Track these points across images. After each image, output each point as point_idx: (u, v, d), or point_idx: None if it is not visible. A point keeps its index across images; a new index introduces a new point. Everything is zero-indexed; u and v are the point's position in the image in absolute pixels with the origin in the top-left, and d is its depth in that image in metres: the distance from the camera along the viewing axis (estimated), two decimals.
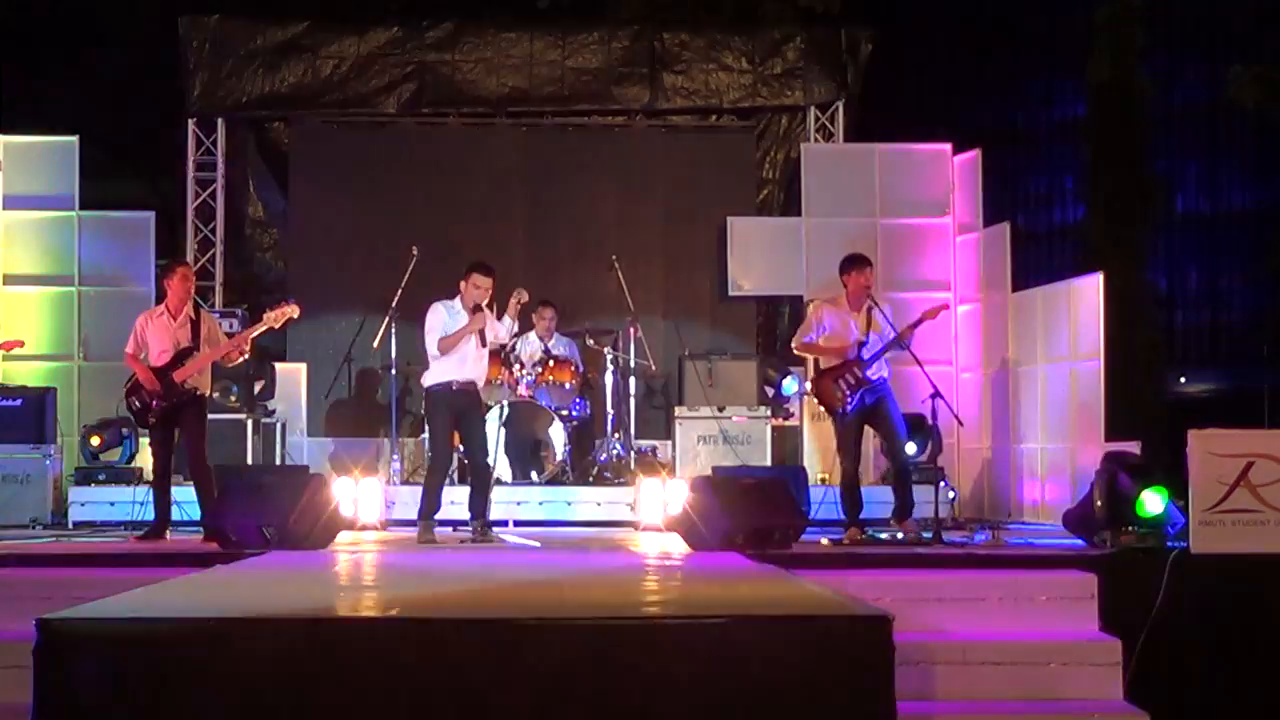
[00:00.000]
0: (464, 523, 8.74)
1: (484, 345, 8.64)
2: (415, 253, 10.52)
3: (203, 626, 4.46)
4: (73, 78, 16.15)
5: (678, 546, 8.07)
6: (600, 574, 6.34)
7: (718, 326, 12.51)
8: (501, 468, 9.73)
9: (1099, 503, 7.69)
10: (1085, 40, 16.47)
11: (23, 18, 15.45)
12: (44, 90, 15.40)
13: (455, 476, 9.77)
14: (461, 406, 8.53)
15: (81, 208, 11.27)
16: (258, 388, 10.75)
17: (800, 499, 8.85)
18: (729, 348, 11.87)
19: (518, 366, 10.46)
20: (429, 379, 8.56)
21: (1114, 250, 15.16)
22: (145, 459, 9.88)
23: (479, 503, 8.52)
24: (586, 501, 10.07)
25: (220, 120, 12.65)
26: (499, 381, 10.16)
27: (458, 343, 8.42)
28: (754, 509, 7.68)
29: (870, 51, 12.92)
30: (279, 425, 10.87)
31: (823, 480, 10.32)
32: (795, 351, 9.06)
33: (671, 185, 12.63)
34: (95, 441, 10.11)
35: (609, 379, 11.02)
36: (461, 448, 8.93)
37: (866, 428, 8.59)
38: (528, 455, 10.16)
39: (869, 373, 8.37)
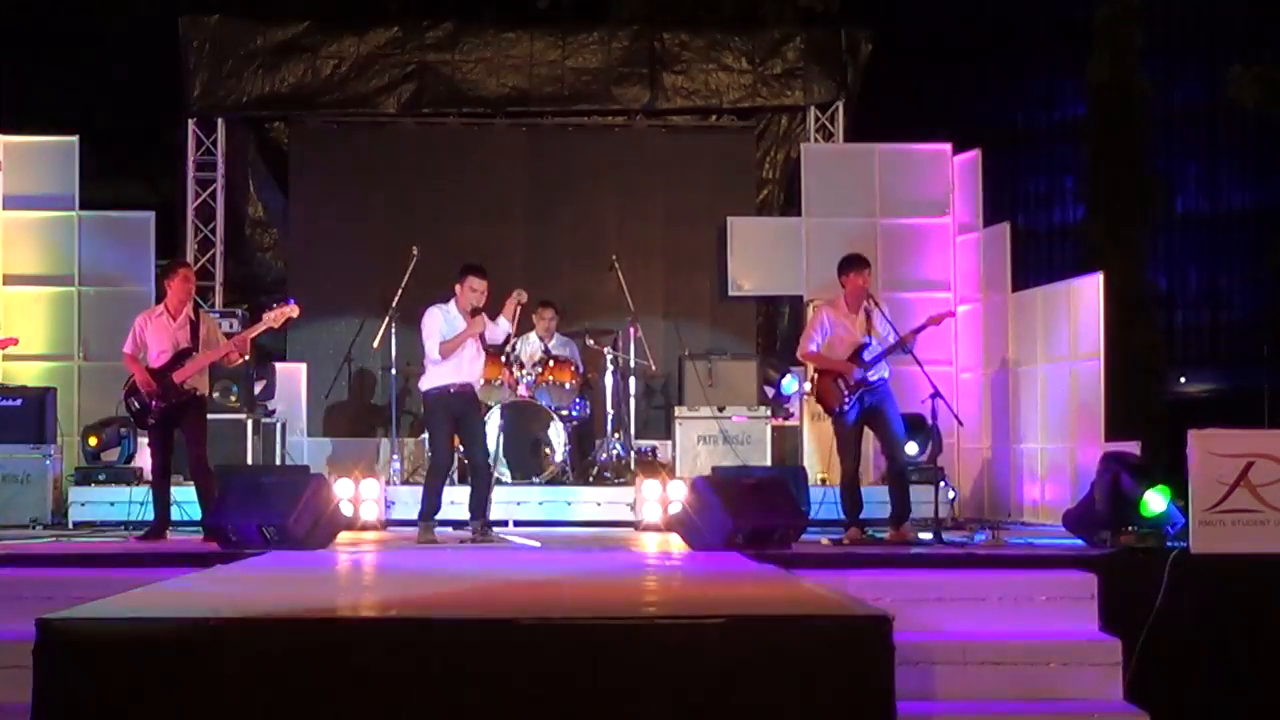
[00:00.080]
0: (464, 523, 8.74)
1: (482, 348, 8.65)
2: (415, 253, 10.53)
3: (203, 626, 4.46)
4: (73, 78, 16.14)
5: (678, 546, 8.07)
6: (600, 574, 6.34)
7: (718, 326, 12.52)
8: (501, 468, 9.72)
9: (1102, 502, 7.69)
10: (1085, 40, 16.46)
11: (23, 18, 15.44)
12: (44, 90, 15.38)
13: (455, 477, 9.77)
14: (460, 409, 8.54)
15: (81, 208, 11.28)
16: (258, 388, 10.76)
17: (800, 499, 8.84)
18: (729, 348, 11.88)
19: (518, 367, 10.46)
20: (426, 383, 8.57)
21: (1114, 250, 15.15)
22: (144, 459, 9.90)
23: (479, 503, 8.52)
24: (586, 501, 10.07)
25: (220, 120, 12.65)
26: (499, 382, 10.16)
27: (458, 347, 8.42)
28: (754, 509, 7.68)
29: (870, 51, 12.92)
30: (279, 425, 10.87)
31: (823, 480, 10.32)
32: (801, 360, 9.07)
33: (671, 185, 12.63)
34: (93, 442, 10.12)
35: (609, 379, 11.02)
36: (461, 448, 8.94)
37: (866, 427, 8.59)
38: (527, 455, 10.15)
39: (869, 374, 8.36)
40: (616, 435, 10.93)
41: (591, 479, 10.59)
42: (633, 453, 10.82)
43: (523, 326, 10.64)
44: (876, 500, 8.89)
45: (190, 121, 12.58)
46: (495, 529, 8.79)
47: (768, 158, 13.11)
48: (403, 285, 10.35)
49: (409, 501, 8.94)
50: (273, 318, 8.50)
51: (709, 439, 10.78)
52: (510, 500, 9.77)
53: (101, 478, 9.83)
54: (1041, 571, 6.70)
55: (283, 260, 12.77)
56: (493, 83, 12.67)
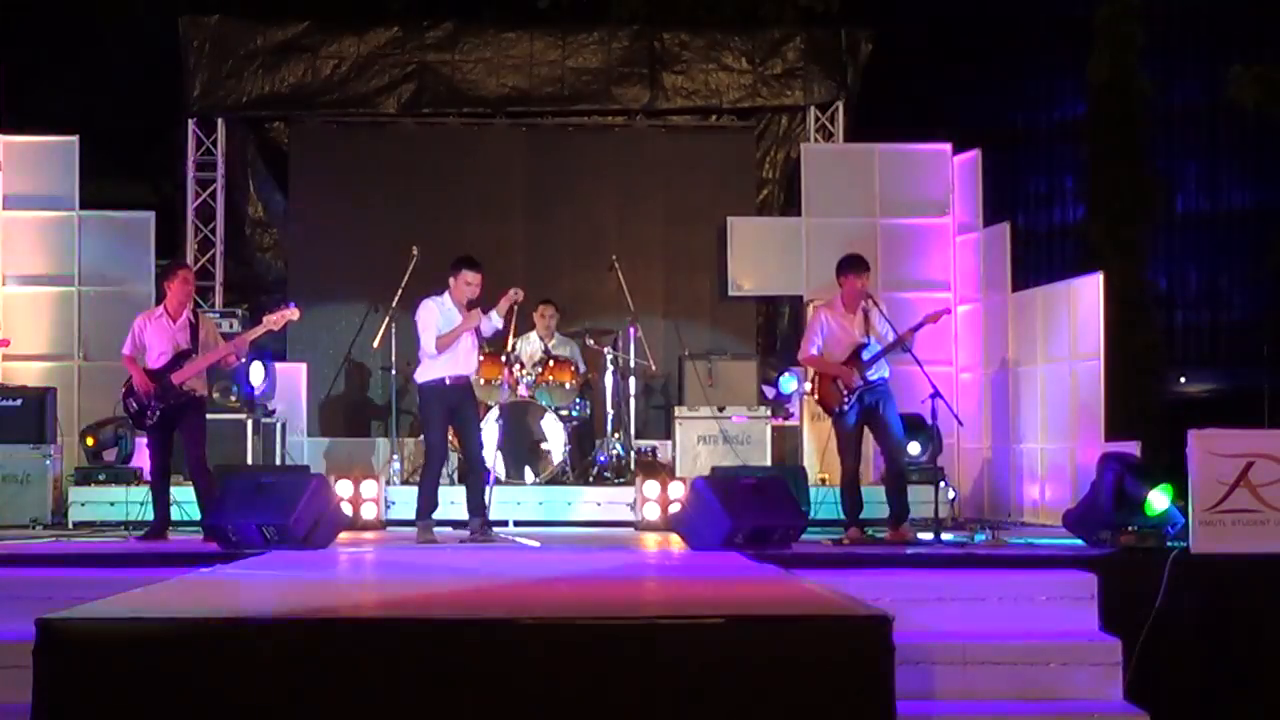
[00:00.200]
0: (464, 523, 8.73)
1: (476, 340, 8.64)
2: (415, 253, 10.55)
3: (203, 626, 4.46)
4: (73, 78, 16.14)
5: (678, 546, 8.07)
6: (600, 574, 6.34)
7: (718, 326, 12.52)
8: (498, 467, 9.71)
9: (1105, 501, 7.70)
10: (1085, 40, 16.47)
11: (23, 18, 15.44)
12: (44, 90, 15.38)
13: (456, 476, 9.77)
14: (456, 402, 8.53)
15: (81, 208, 11.28)
16: (253, 379, 10.73)
17: (800, 499, 8.84)
18: (729, 348, 11.88)
19: (518, 367, 10.46)
20: (422, 375, 8.55)
21: (1114, 250, 15.16)
22: (142, 460, 9.90)
23: (476, 500, 8.52)
24: (586, 501, 10.07)
25: (220, 120, 12.65)
26: (499, 382, 10.16)
27: (455, 340, 8.42)
28: (754, 509, 7.68)
29: (870, 51, 12.92)
30: (279, 425, 10.87)
31: (823, 480, 10.32)
32: (802, 363, 9.06)
33: (671, 185, 12.63)
34: (90, 442, 10.12)
35: (609, 379, 11.02)
36: (456, 443, 8.95)
37: (867, 428, 8.58)
38: (527, 455, 10.15)
39: (869, 374, 8.36)
40: (616, 435, 10.93)
41: (591, 479, 10.59)
42: (633, 453, 10.83)
43: (523, 325, 10.65)
44: (876, 500, 8.89)
45: (190, 121, 12.58)
46: (495, 529, 8.79)
47: (768, 158, 13.11)
48: (403, 285, 10.36)
49: (409, 501, 8.93)
50: (273, 320, 8.49)
51: (709, 439, 10.78)
52: (510, 500, 9.77)
53: (101, 478, 9.83)
54: (1041, 571, 6.70)
55: (283, 260, 12.77)
56: (493, 83, 12.67)
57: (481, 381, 9.79)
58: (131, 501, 9.33)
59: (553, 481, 10.19)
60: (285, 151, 12.77)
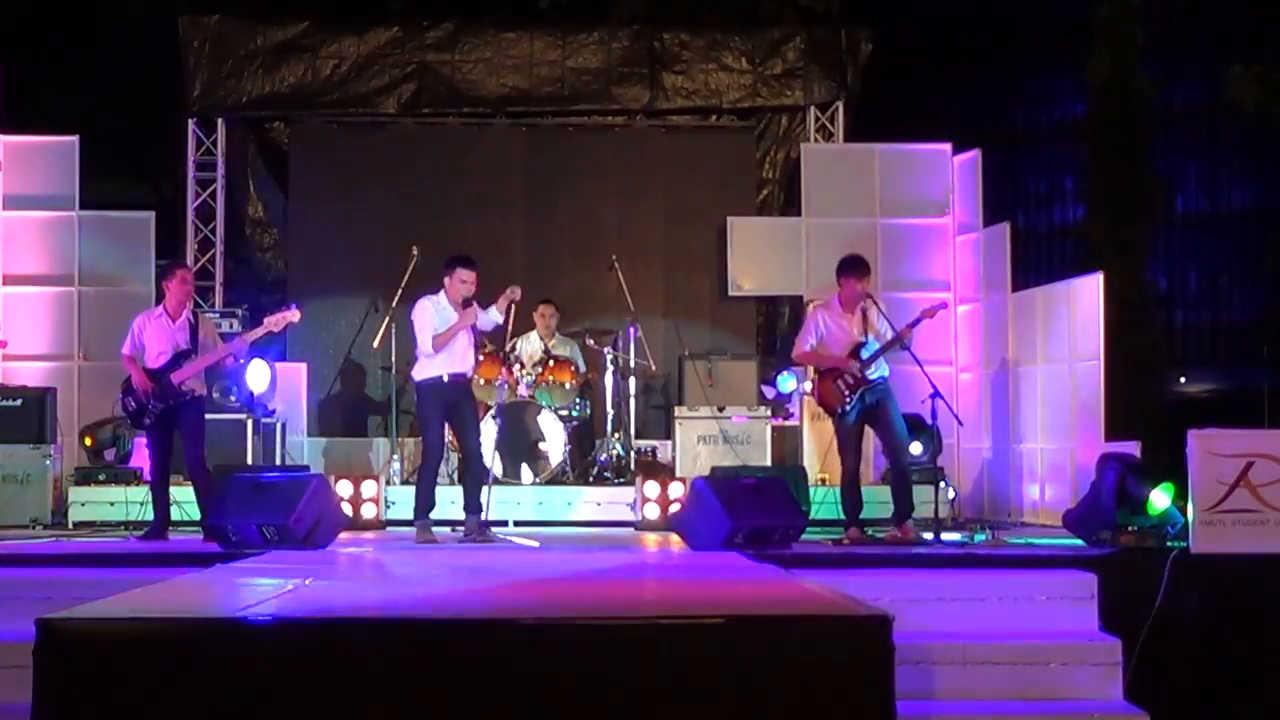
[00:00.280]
0: (462, 522, 8.72)
1: (473, 338, 8.63)
2: (415, 253, 10.55)
3: (203, 626, 4.46)
4: (73, 78, 16.14)
5: (678, 546, 8.07)
6: (600, 574, 6.34)
7: (718, 326, 12.51)
8: (496, 466, 9.71)
9: (1106, 501, 7.70)
10: (1085, 40, 16.48)
11: (23, 18, 15.44)
12: (44, 90, 15.39)
13: (455, 476, 9.77)
14: (453, 399, 8.52)
15: (81, 208, 11.27)
16: (249, 376, 10.73)
17: (800, 499, 8.84)
18: (729, 348, 11.87)
19: (518, 367, 10.46)
20: (420, 374, 8.54)
21: (1114, 250, 15.18)
22: (139, 460, 9.91)
23: (473, 499, 8.51)
24: (586, 501, 10.07)
25: (220, 120, 12.63)
26: (499, 382, 10.16)
27: (451, 339, 8.41)
28: (753, 509, 7.68)
29: (870, 51, 12.91)
30: (279, 425, 10.86)
31: (823, 480, 10.31)
32: (796, 361, 9.06)
33: (671, 185, 12.62)
34: (88, 442, 10.13)
35: (609, 379, 11.02)
36: (456, 442, 8.95)
37: (867, 427, 8.58)
38: (526, 455, 10.15)
39: (868, 372, 8.36)
40: (616, 435, 10.93)
41: (591, 479, 10.59)
42: (633, 453, 10.83)
43: (523, 325, 10.66)
44: (876, 500, 8.89)
45: (190, 121, 12.57)
46: (494, 529, 8.79)
47: (768, 158, 13.11)
48: (403, 285, 10.36)
49: (408, 501, 8.93)
50: (273, 321, 8.49)
51: (709, 439, 10.77)
52: (509, 500, 9.77)
53: (101, 478, 9.82)
54: (1041, 571, 6.71)
55: (283, 260, 12.76)
56: (493, 83, 12.67)
57: (481, 381, 9.79)
58: (131, 501, 9.32)
59: (552, 481, 10.19)
60: (285, 151, 12.76)
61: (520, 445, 10.14)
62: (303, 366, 11.66)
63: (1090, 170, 16.41)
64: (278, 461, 10.59)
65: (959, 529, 9.12)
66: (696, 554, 7.61)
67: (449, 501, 8.93)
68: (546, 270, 12.11)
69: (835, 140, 12.79)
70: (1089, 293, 9.86)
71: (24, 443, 9.76)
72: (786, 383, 11.22)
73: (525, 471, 10.12)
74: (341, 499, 9.07)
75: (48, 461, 9.74)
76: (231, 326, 10.84)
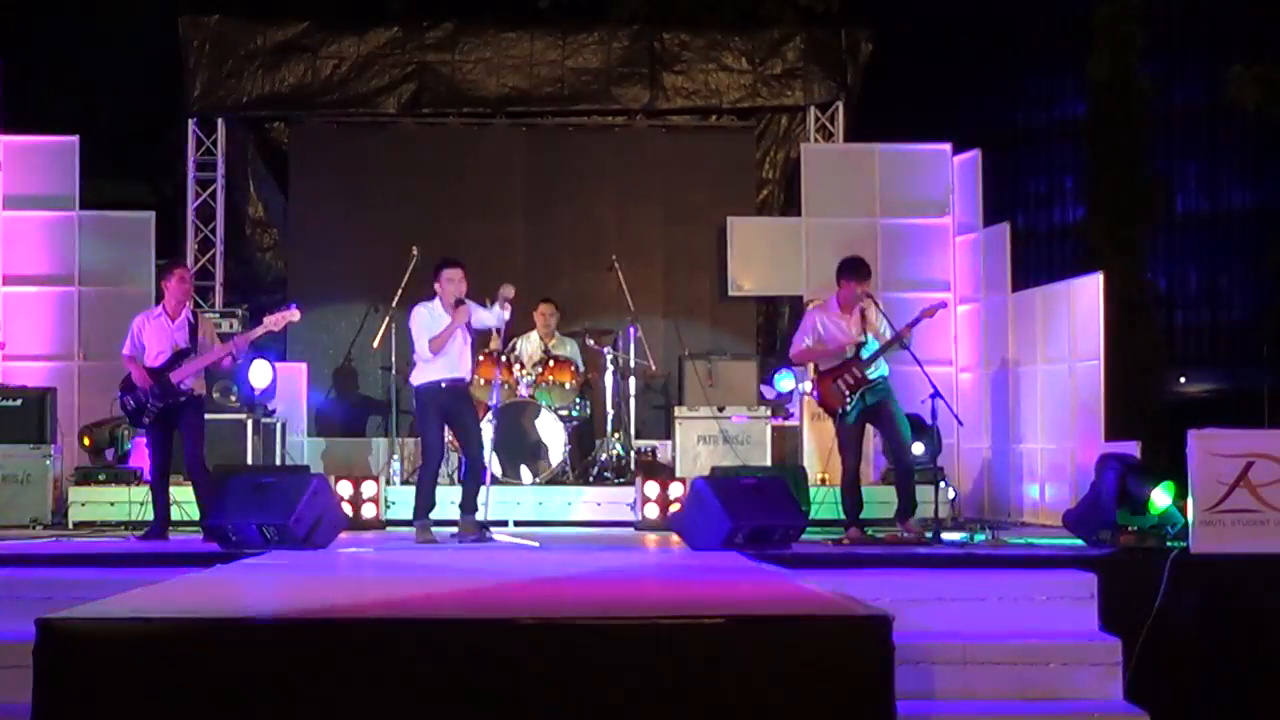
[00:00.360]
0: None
1: (470, 339, 8.61)
2: (415, 253, 10.55)
3: (203, 626, 4.46)
4: (73, 78, 16.15)
5: (678, 546, 8.07)
6: (600, 574, 6.34)
7: (718, 326, 12.51)
8: (494, 466, 9.70)
9: (1107, 500, 7.70)
10: (1085, 40, 16.49)
11: (23, 18, 15.45)
12: (44, 90, 15.39)
13: (455, 476, 9.77)
14: (452, 405, 8.51)
15: (81, 208, 11.27)
16: (251, 377, 10.73)
17: (800, 499, 8.84)
18: (729, 348, 11.88)
19: (518, 367, 10.46)
20: (418, 378, 8.54)
21: (1114, 250, 15.19)
22: (138, 460, 9.91)
23: (470, 500, 8.50)
24: (586, 501, 10.07)
25: (220, 120, 12.63)
26: (499, 382, 10.15)
27: (447, 340, 8.39)
28: (753, 509, 7.68)
29: (870, 51, 12.90)
30: (279, 425, 10.87)
31: (823, 480, 10.31)
32: (792, 360, 9.06)
33: (671, 185, 12.62)
34: (86, 442, 10.12)
35: (609, 379, 11.02)
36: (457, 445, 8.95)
37: (867, 426, 8.58)
38: (527, 455, 10.15)
39: (868, 372, 8.36)
40: (616, 435, 10.93)
41: (591, 479, 10.59)
42: (633, 453, 10.83)
43: (523, 325, 10.66)
44: (877, 500, 8.88)
45: (190, 121, 12.56)
46: (494, 529, 8.79)
47: (768, 158, 13.11)
48: (403, 285, 10.37)
49: (408, 501, 8.94)
50: (273, 321, 8.49)
51: (709, 439, 10.77)
52: (509, 500, 9.77)
53: (101, 478, 9.82)
54: (1041, 571, 6.70)
55: (283, 260, 12.76)
56: (493, 83, 12.66)
57: (481, 381, 9.79)
58: (132, 501, 9.33)
59: (552, 482, 10.19)
60: (285, 151, 12.76)
61: (520, 445, 10.13)
62: (303, 366, 11.66)
63: (1090, 170, 16.43)
64: (278, 461, 10.59)
65: (959, 529, 9.13)
66: (696, 554, 7.60)
67: (449, 501, 8.92)
68: (546, 270, 12.12)
69: (835, 140, 12.78)
70: (1089, 293, 9.86)
71: (24, 443, 9.76)
72: (783, 381, 11.22)
73: (525, 472, 10.12)
74: (341, 499, 9.08)
75: (48, 461, 9.74)
76: (231, 326, 10.84)
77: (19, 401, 9.92)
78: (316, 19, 12.67)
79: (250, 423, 10.37)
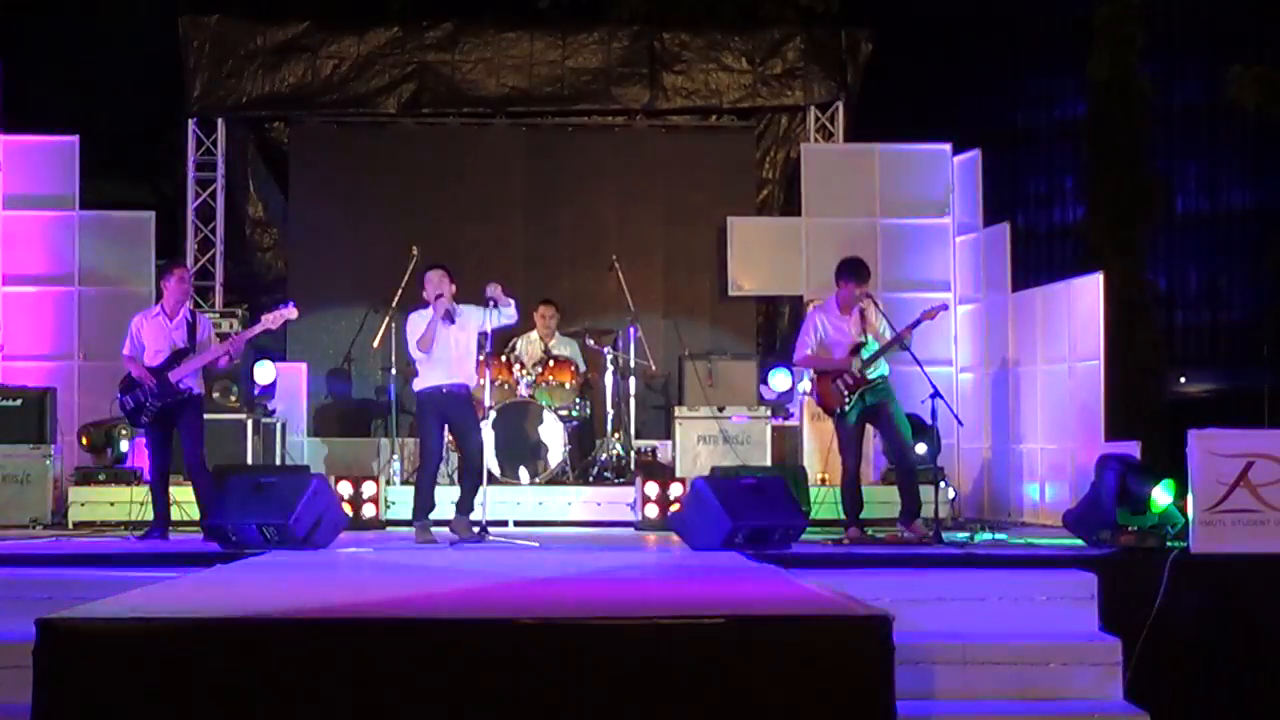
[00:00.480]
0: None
1: (471, 340, 8.59)
2: (415, 253, 10.55)
3: (203, 626, 4.46)
4: (73, 78, 16.14)
5: (678, 546, 8.07)
6: (600, 574, 6.34)
7: (718, 326, 12.51)
8: (495, 468, 9.69)
9: (1108, 499, 7.70)
10: (1085, 40, 16.48)
11: (23, 18, 15.45)
12: (44, 90, 15.39)
13: (456, 476, 9.76)
14: (451, 410, 8.51)
15: (81, 208, 11.27)
16: (259, 380, 10.75)
17: (800, 499, 8.84)
18: (729, 348, 11.87)
19: (518, 367, 10.46)
20: (419, 384, 8.59)
21: (1114, 250, 15.18)
22: (137, 460, 9.90)
23: (467, 500, 8.49)
24: (586, 501, 10.07)
25: (220, 120, 12.63)
26: (499, 382, 10.15)
27: (431, 334, 8.38)
28: (753, 509, 7.68)
29: (870, 51, 12.91)
30: (279, 425, 10.87)
31: (823, 480, 10.31)
32: (796, 365, 9.06)
33: (671, 185, 12.63)
34: (84, 441, 10.13)
35: (609, 379, 11.02)
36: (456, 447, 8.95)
37: (868, 427, 8.58)
38: (525, 455, 10.14)
39: (868, 372, 8.36)
40: (616, 435, 10.93)
41: (591, 479, 10.59)
42: (633, 453, 10.83)
43: (523, 325, 10.64)
44: (876, 500, 8.88)
45: (190, 121, 12.57)
46: (494, 529, 8.78)
47: (768, 158, 13.11)
48: (403, 285, 10.38)
49: (408, 501, 8.94)
50: (271, 320, 8.49)
51: (709, 439, 10.77)
52: (509, 500, 9.77)
53: (101, 478, 9.82)
54: (1041, 571, 6.70)
55: (283, 260, 12.76)
56: (493, 83, 12.66)
57: (476, 382, 9.76)
58: (132, 501, 9.33)
59: (552, 482, 10.19)
60: (285, 151, 12.76)
61: (520, 445, 10.13)
62: (303, 366, 11.65)
63: (1090, 170, 16.42)
64: (278, 461, 10.59)
65: (959, 529, 9.12)
66: (696, 554, 7.61)
67: (449, 502, 8.91)
68: (546, 270, 12.12)
69: (835, 140, 12.79)
70: (1089, 293, 9.86)
71: (24, 443, 9.77)
72: (777, 378, 11.22)
73: (524, 472, 10.12)
74: (341, 499, 9.07)
75: (48, 461, 9.74)
76: (231, 326, 10.84)
77: (19, 401, 9.92)
78: (316, 19, 12.68)
79: (250, 423, 10.37)
